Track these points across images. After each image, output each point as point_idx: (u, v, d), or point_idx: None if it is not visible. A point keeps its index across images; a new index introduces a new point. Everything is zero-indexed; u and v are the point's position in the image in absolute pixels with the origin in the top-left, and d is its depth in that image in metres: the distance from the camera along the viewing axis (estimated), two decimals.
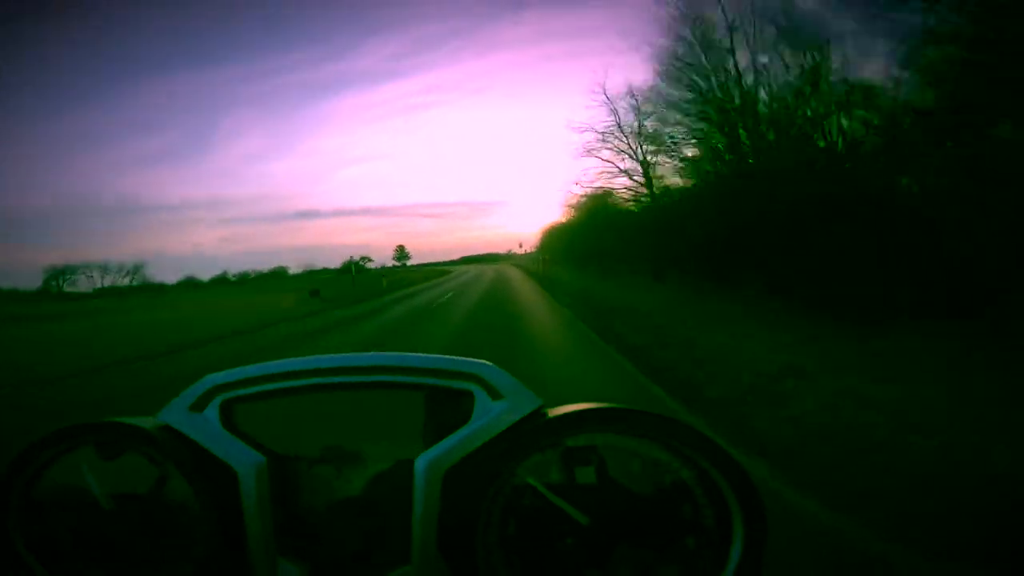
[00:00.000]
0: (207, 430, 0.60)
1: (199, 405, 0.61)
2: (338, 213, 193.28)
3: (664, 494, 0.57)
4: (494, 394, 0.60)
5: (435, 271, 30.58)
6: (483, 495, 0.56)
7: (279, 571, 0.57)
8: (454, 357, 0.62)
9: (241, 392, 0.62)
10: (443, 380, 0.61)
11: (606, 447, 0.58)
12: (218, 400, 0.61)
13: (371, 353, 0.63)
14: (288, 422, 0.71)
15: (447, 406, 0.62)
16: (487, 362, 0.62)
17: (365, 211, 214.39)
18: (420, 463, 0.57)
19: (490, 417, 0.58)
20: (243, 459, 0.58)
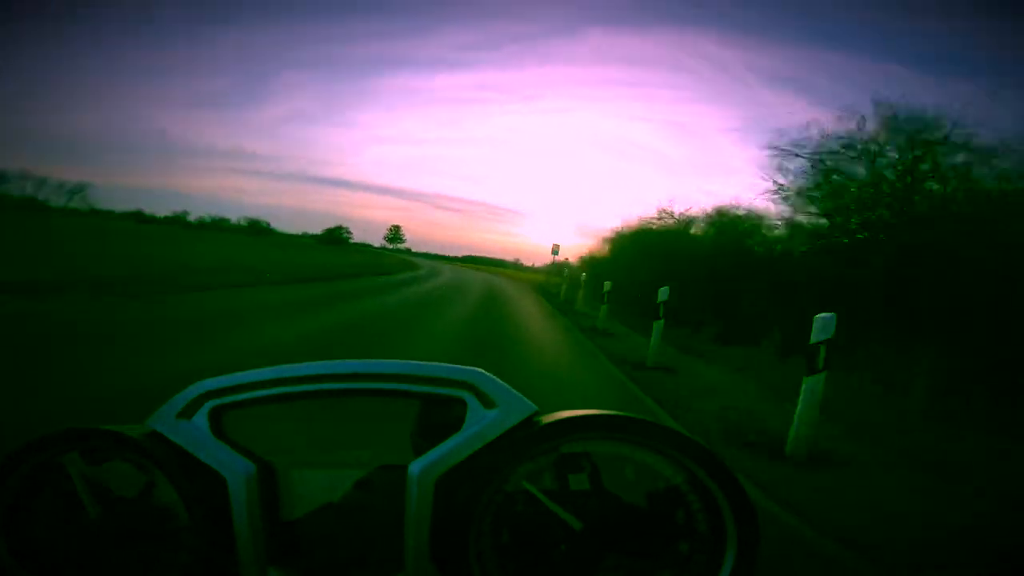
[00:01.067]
0: (196, 437, 0.59)
1: (188, 412, 0.60)
2: (361, 187, 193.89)
3: (657, 500, 0.57)
4: (487, 402, 0.59)
5: (382, 263, 24.60)
6: (476, 502, 0.55)
7: None
8: (447, 365, 0.62)
9: (231, 399, 0.61)
10: (436, 388, 0.61)
11: (599, 454, 0.58)
12: (207, 407, 0.60)
13: (364, 360, 0.62)
14: (279, 429, 0.70)
15: (439, 413, 0.61)
16: (479, 369, 0.61)
17: (386, 190, 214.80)
18: (413, 470, 0.56)
19: (483, 424, 0.58)
20: (232, 466, 0.57)
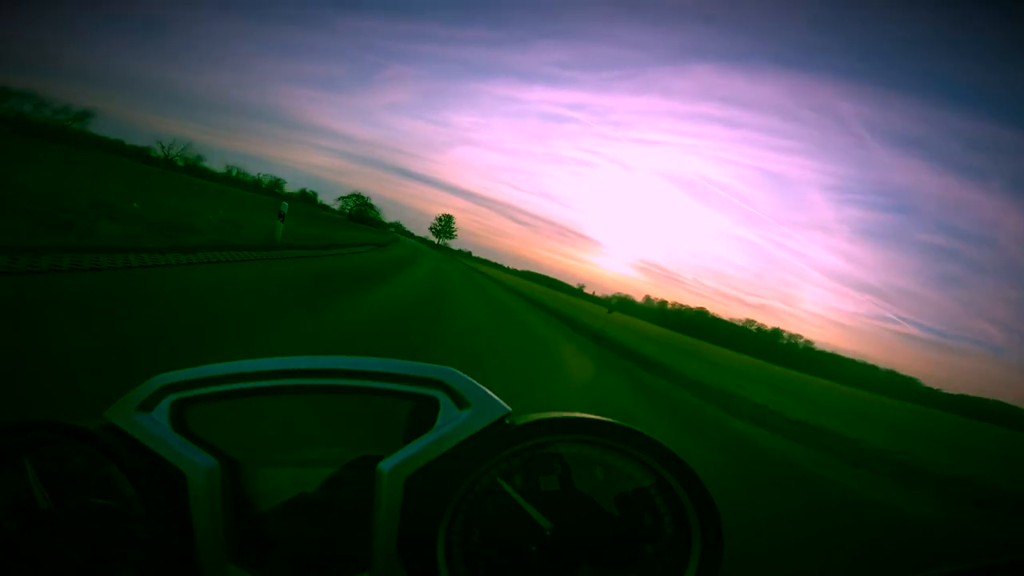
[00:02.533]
0: (155, 431, 0.56)
1: (147, 405, 0.58)
2: (437, 184, 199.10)
3: (626, 502, 0.58)
4: (460, 401, 0.59)
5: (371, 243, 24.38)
6: (446, 501, 0.55)
7: None
8: (420, 363, 0.60)
9: (192, 393, 0.59)
10: (408, 386, 0.60)
11: (570, 456, 0.58)
12: (168, 400, 0.58)
13: (334, 356, 0.60)
14: (245, 425, 0.65)
15: (412, 412, 0.61)
16: (453, 369, 0.60)
17: (462, 191, 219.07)
18: (383, 468, 0.55)
19: (455, 424, 0.57)
20: (193, 462, 0.55)
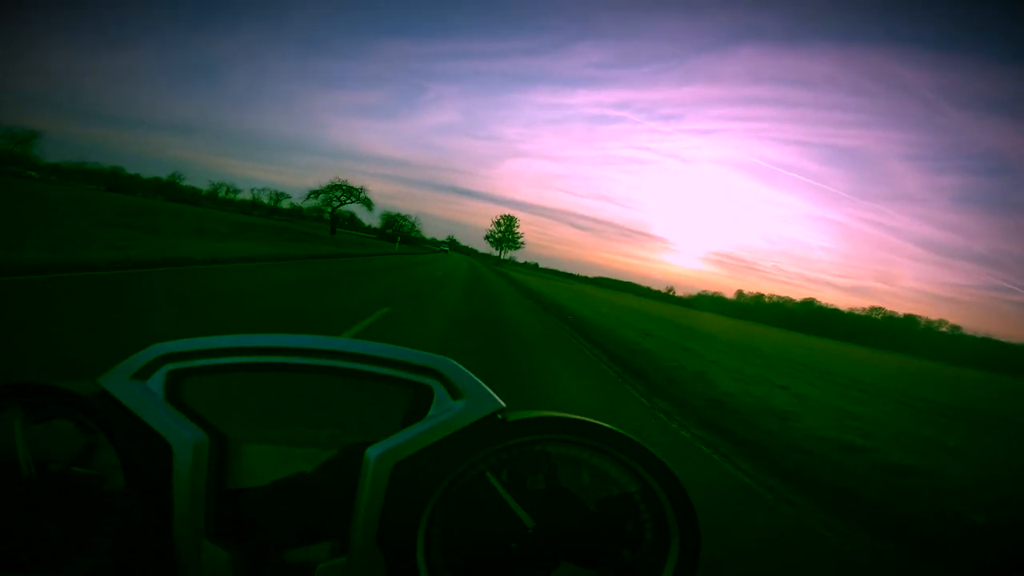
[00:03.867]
0: (147, 401, 0.56)
1: (143, 374, 0.58)
2: (493, 199, 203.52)
3: (610, 506, 0.58)
4: (454, 392, 0.59)
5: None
6: (431, 492, 0.55)
7: (204, 554, 0.54)
8: (417, 351, 0.61)
9: (190, 364, 0.59)
10: (403, 372, 0.60)
11: (559, 456, 0.59)
12: (164, 370, 0.58)
13: (333, 337, 0.60)
14: (238, 399, 0.64)
15: (405, 399, 0.60)
16: (450, 360, 0.61)
17: (519, 204, 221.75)
18: (371, 454, 0.55)
19: (448, 415, 0.57)
20: (181, 434, 0.55)
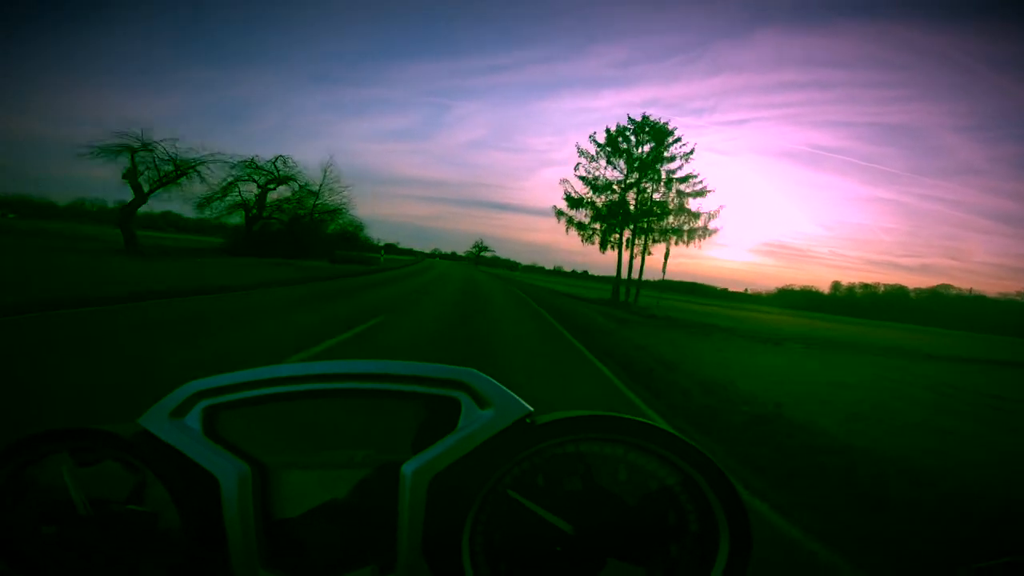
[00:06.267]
0: (188, 437, 0.58)
1: (180, 411, 0.60)
2: (524, 210, 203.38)
3: (650, 501, 0.57)
4: (481, 402, 0.59)
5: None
6: (470, 503, 0.55)
7: None
8: (441, 365, 0.61)
9: (224, 399, 0.60)
10: (430, 388, 0.60)
11: (593, 455, 0.58)
12: (200, 406, 0.60)
13: (358, 361, 0.61)
14: (272, 429, 0.67)
15: (434, 413, 0.61)
16: (474, 370, 0.61)
17: (551, 212, 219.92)
18: (406, 470, 0.56)
19: (477, 425, 0.58)
20: (225, 467, 0.57)
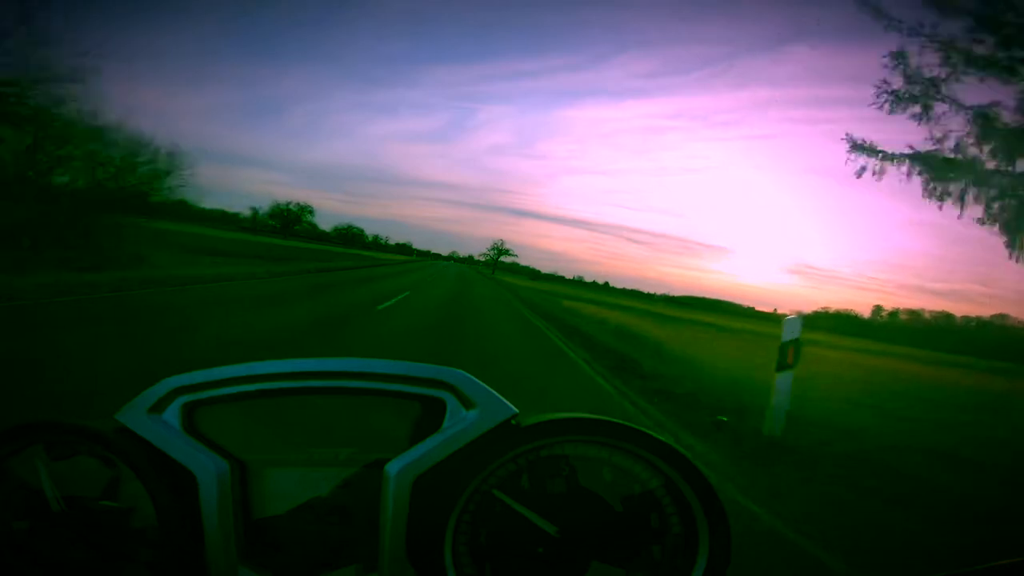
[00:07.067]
0: (166, 433, 0.57)
1: (159, 407, 0.59)
2: (546, 217, 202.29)
3: (633, 503, 0.58)
4: (467, 403, 0.59)
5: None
6: (453, 503, 0.55)
7: None
8: (427, 364, 0.61)
9: (203, 395, 0.59)
10: (415, 387, 0.60)
11: (577, 456, 0.58)
12: (179, 402, 0.59)
13: (343, 359, 0.60)
14: (253, 426, 0.66)
15: (419, 413, 0.61)
16: (460, 370, 0.61)
17: (569, 220, 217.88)
18: (390, 470, 0.56)
19: (462, 425, 0.57)
20: (204, 463, 0.56)
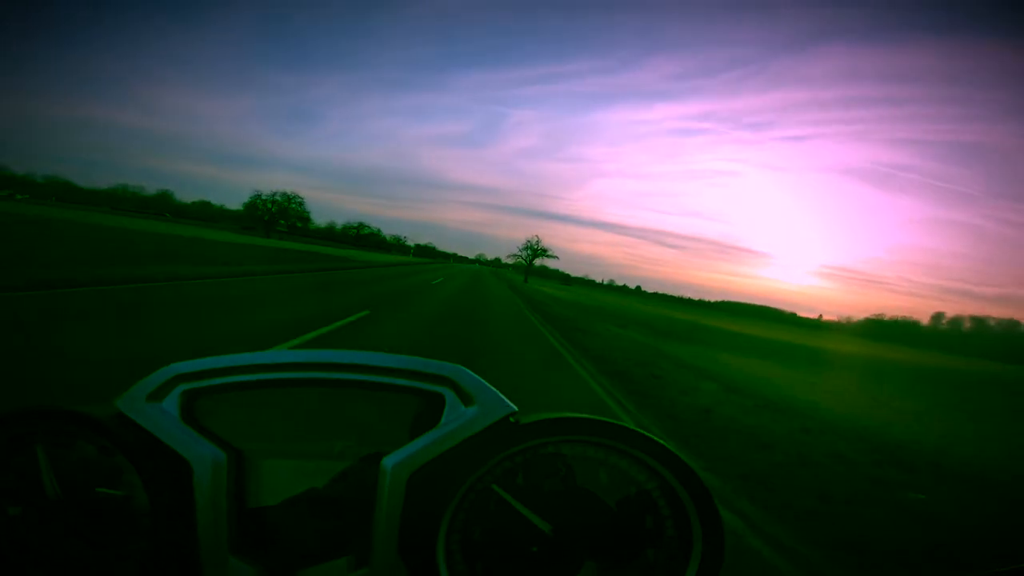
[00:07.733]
0: (164, 421, 0.57)
1: (158, 395, 0.58)
2: (576, 221, 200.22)
3: (629, 505, 0.58)
4: (466, 399, 0.59)
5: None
6: (448, 499, 0.55)
7: (231, 570, 0.55)
8: (427, 359, 0.61)
9: (204, 383, 0.59)
10: (414, 382, 0.60)
11: (574, 456, 0.58)
12: (179, 390, 0.59)
13: (343, 351, 0.61)
14: (254, 417, 0.66)
15: (417, 408, 0.61)
16: (460, 366, 0.61)
17: (600, 223, 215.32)
18: (386, 464, 0.55)
19: (461, 421, 0.57)
20: (200, 453, 0.56)
